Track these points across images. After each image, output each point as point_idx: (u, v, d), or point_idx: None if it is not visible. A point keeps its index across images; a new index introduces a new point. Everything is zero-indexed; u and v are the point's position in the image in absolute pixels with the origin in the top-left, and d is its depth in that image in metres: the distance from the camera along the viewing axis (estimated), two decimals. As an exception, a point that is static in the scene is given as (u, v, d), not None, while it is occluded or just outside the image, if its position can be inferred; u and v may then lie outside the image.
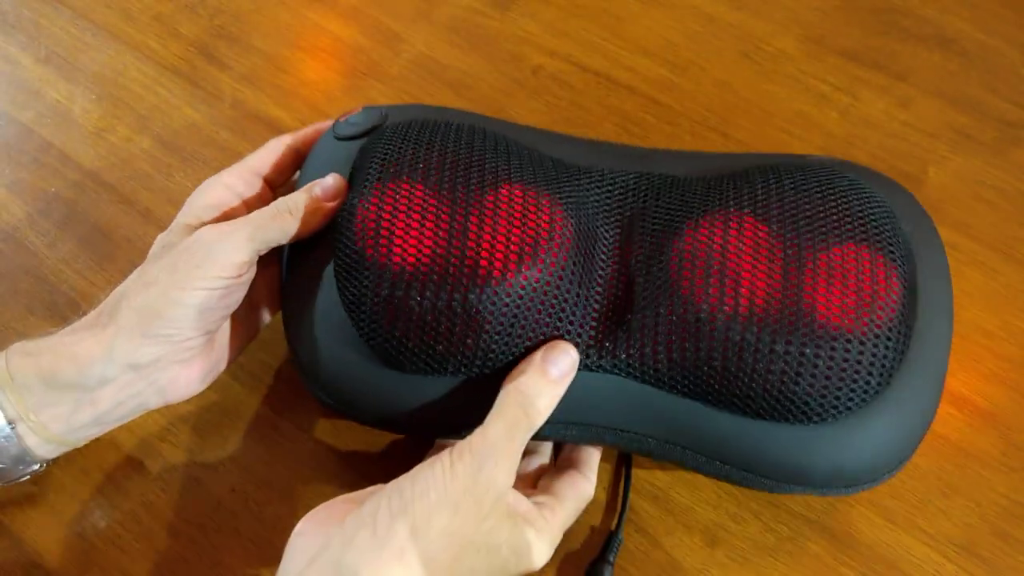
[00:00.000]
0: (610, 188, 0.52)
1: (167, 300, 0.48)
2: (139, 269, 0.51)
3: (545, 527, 0.47)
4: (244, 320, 0.55)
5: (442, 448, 0.53)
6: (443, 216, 0.48)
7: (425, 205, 0.48)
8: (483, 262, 0.47)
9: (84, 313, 0.51)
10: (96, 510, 0.57)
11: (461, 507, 0.43)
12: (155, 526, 0.56)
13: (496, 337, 0.47)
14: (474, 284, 0.46)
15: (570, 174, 0.52)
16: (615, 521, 0.56)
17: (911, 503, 0.56)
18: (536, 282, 0.47)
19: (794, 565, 0.54)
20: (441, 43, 0.78)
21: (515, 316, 0.47)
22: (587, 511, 0.53)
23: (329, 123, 0.58)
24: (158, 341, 0.49)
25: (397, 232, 0.48)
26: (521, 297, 0.47)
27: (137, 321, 0.48)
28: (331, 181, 0.52)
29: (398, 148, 0.51)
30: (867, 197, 0.50)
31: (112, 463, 0.58)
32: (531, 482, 0.54)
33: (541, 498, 0.49)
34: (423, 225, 0.48)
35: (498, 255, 0.47)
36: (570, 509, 0.50)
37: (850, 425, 0.47)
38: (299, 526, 0.45)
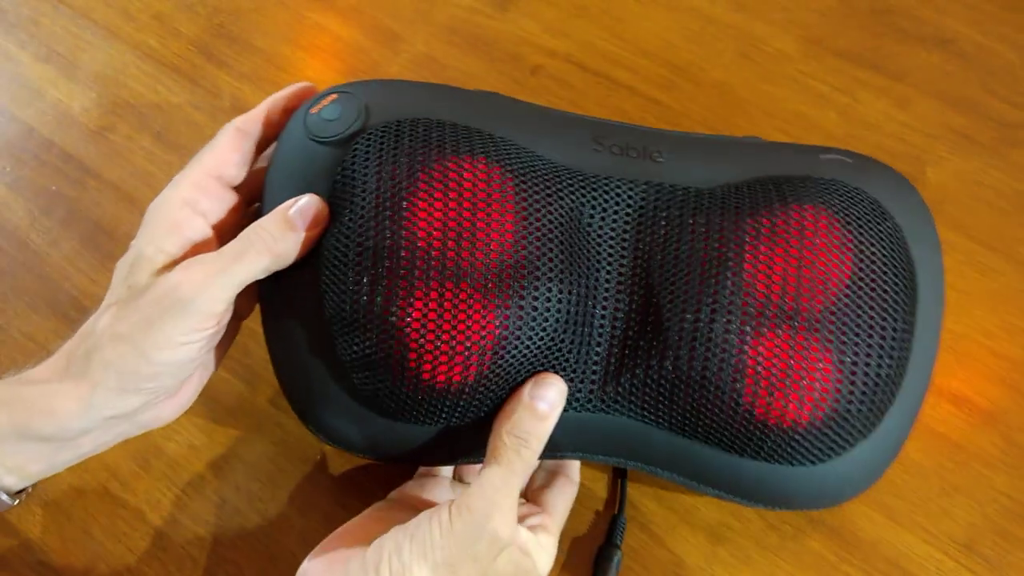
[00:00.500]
0: (616, 208, 0.49)
1: (145, 360, 0.44)
2: (108, 314, 0.45)
3: (543, 549, 0.48)
4: (226, 331, 0.51)
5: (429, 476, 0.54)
6: (447, 291, 0.45)
7: (427, 277, 0.45)
8: (482, 349, 0.45)
9: (51, 351, 0.48)
10: (102, 509, 0.56)
11: (461, 567, 0.43)
12: (160, 524, 0.56)
13: (495, 401, 0.47)
14: (477, 359, 0.45)
15: (572, 192, 0.49)
16: (616, 506, 0.57)
17: (913, 502, 0.56)
18: (530, 350, 0.46)
19: (797, 563, 0.55)
20: (441, 43, 0.78)
21: (513, 382, 0.47)
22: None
23: (287, 93, 0.52)
24: (139, 394, 0.46)
25: (400, 327, 0.45)
26: (516, 365, 0.46)
27: (115, 379, 0.44)
28: (310, 205, 0.46)
29: (386, 189, 0.46)
30: (883, 269, 0.48)
31: (117, 462, 0.58)
32: (522, 492, 0.54)
33: (536, 519, 0.50)
34: (427, 299, 0.44)
35: (492, 338, 0.45)
36: (562, 517, 0.52)
37: (833, 465, 0.48)
38: (303, 567, 0.45)
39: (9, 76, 0.75)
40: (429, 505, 0.47)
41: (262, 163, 0.52)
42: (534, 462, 0.46)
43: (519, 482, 0.45)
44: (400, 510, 0.49)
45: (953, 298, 0.63)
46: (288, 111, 0.51)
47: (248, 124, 0.50)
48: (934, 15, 0.78)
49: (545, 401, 0.46)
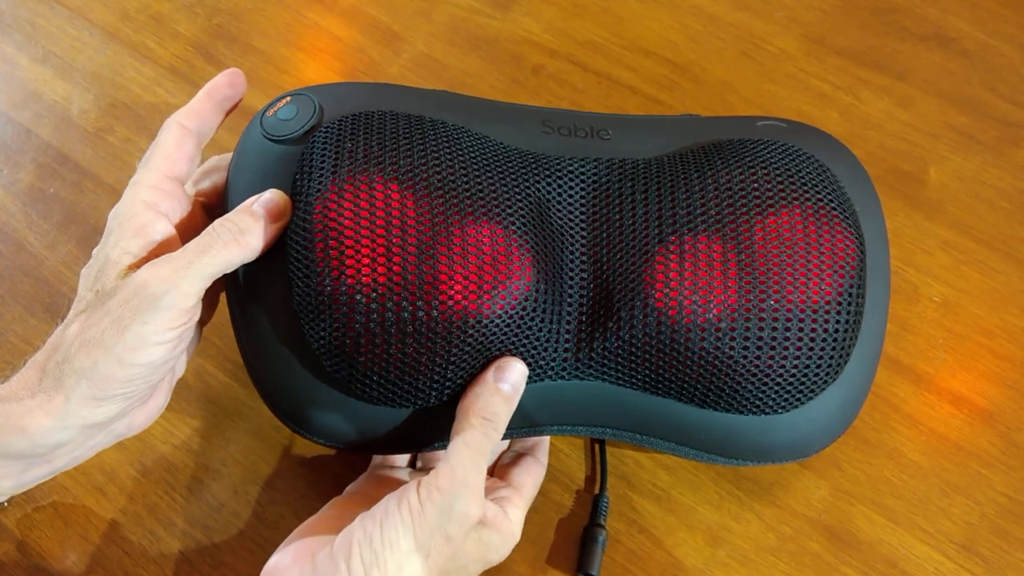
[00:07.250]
0: (571, 184, 0.51)
1: (119, 363, 0.43)
2: (77, 322, 0.45)
3: (511, 522, 0.48)
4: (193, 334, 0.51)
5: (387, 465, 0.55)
6: (410, 264, 0.45)
7: (390, 255, 0.45)
8: (450, 312, 0.45)
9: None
10: (99, 513, 0.56)
11: (433, 549, 0.43)
12: (158, 528, 0.56)
13: (466, 377, 0.48)
14: (446, 333, 0.45)
15: (527, 170, 0.50)
16: (598, 485, 0.57)
17: (912, 502, 0.56)
18: (501, 320, 0.46)
19: (795, 564, 0.55)
20: (441, 43, 0.77)
21: (486, 357, 0.47)
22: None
23: (217, 82, 0.52)
24: (114, 401, 0.45)
25: (369, 309, 0.45)
26: (490, 338, 0.47)
27: (89, 387, 0.43)
28: (273, 198, 0.47)
29: (344, 175, 0.47)
30: (832, 216, 0.49)
31: (115, 465, 0.58)
32: (489, 470, 0.54)
33: (503, 491, 0.51)
34: (390, 274, 0.45)
35: (460, 304, 0.45)
36: (529, 495, 0.52)
37: (805, 411, 0.50)
38: (269, 563, 0.45)
39: (6, 78, 0.75)
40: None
41: (216, 170, 0.53)
42: (498, 441, 0.47)
43: (486, 461, 0.46)
44: (360, 502, 0.49)
45: (953, 298, 0.64)
46: (220, 102, 0.53)
47: (190, 118, 0.51)
48: (936, 13, 0.78)
49: (509, 383, 0.47)
